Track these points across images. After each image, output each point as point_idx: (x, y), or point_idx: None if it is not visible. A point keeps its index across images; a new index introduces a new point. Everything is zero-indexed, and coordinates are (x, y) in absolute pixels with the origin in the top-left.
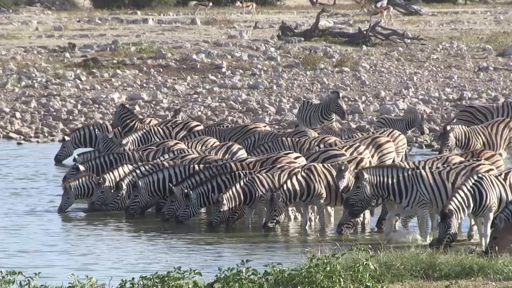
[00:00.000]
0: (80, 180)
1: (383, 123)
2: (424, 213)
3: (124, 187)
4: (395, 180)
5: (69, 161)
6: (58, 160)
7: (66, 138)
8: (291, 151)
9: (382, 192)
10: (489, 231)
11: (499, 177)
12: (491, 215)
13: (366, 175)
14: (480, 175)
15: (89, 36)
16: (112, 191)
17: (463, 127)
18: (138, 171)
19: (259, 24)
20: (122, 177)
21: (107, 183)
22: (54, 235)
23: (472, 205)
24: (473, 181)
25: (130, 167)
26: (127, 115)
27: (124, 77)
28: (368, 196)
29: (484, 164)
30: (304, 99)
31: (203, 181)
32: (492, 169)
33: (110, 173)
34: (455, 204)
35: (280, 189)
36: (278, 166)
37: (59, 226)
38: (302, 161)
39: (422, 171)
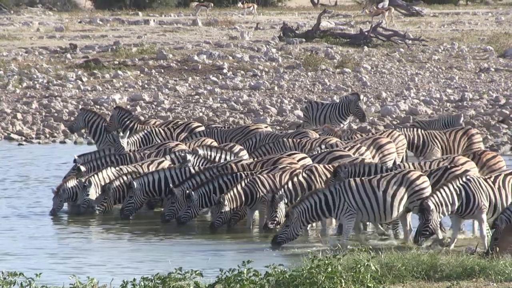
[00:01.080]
0: (70, 182)
1: (417, 128)
2: (350, 223)
3: (111, 190)
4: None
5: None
6: (72, 130)
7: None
8: (297, 152)
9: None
10: (485, 231)
11: (488, 180)
12: (484, 217)
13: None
14: (468, 176)
15: (91, 37)
16: (98, 194)
17: (419, 131)
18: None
19: (261, 25)
20: (107, 179)
21: (92, 186)
22: (54, 238)
23: (457, 204)
24: (461, 181)
25: (114, 170)
26: (126, 117)
27: (126, 78)
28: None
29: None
30: (311, 100)
31: (204, 182)
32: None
33: (96, 176)
34: (436, 199)
35: (281, 190)
36: (280, 167)
37: (52, 228)
38: (308, 161)
39: (351, 181)
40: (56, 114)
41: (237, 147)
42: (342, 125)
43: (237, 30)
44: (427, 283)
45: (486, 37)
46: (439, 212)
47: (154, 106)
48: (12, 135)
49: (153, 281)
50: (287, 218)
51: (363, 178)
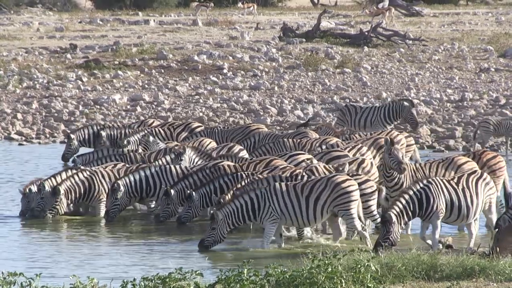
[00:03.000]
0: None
1: (487, 127)
2: (271, 228)
3: (62, 191)
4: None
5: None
6: (66, 159)
7: (72, 136)
8: (302, 152)
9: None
10: (437, 236)
11: (451, 182)
12: (438, 222)
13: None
14: (430, 179)
15: (91, 37)
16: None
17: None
18: (78, 175)
19: (261, 25)
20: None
21: (46, 189)
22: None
23: (418, 210)
24: (421, 185)
25: (70, 173)
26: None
27: (126, 78)
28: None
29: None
30: (347, 103)
31: (204, 182)
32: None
33: (51, 179)
34: (397, 209)
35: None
36: (280, 167)
37: (51, 229)
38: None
39: (277, 185)
40: (56, 114)
41: (237, 147)
42: (321, 124)
43: (237, 30)
44: (427, 283)
45: (486, 37)
46: (400, 223)
47: (154, 106)
48: (13, 135)
49: (153, 281)
50: (213, 220)
51: (288, 182)
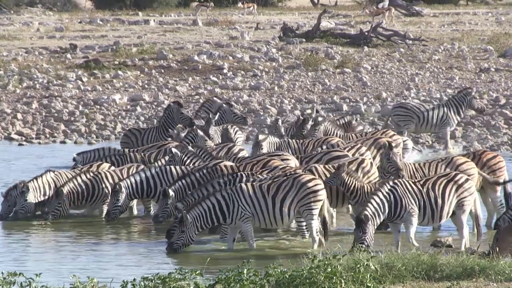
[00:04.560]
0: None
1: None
2: (247, 227)
3: (65, 193)
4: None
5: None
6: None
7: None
8: (281, 153)
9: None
10: (412, 235)
11: (416, 183)
12: (413, 220)
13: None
14: (395, 181)
15: (91, 37)
16: (37, 199)
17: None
18: (81, 177)
19: (261, 25)
20: (47, 185)
21: (30, 191)
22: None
23: (387, 211)
24: (388, 187)
25: (53, 175)
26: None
27: (126, 78)
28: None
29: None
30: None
31: (205, 182)
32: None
33: (34, 181)
34: (371, 209)
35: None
36: (280, 167)
37: (49, 230)
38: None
39: (243, 185)
40: (56, 114)
41: (237, 147)
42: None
43: (237, 30)
44: (427, 283)
45: (486, 37)
46: (374, 224)
47: (154, 106)
48: (13, 135)
49: (153, 281)
50: (181, 223)
51: (254, 182)
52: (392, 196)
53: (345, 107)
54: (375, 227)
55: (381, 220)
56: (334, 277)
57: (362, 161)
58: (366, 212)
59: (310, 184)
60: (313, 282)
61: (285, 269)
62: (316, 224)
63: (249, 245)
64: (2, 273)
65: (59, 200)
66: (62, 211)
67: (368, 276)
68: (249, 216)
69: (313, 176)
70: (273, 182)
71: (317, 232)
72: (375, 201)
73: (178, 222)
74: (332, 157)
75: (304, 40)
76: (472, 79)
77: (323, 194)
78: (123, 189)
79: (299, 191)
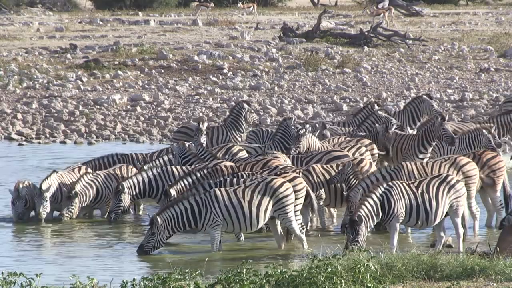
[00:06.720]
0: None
1: None
2: (215, 234)
3: (78, 194)
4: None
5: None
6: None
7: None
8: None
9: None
10: (395, 240)
11: (411, 185)
12: (397, 225)
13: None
14: (390, 183)
15: (91, 37)
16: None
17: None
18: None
19: (261, 25)
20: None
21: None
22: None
23: (380, 213)
24: (382, 189)
25: (55, 176)
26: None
27: (126, 78)
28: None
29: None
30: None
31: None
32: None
33: (46, 180)
34: (365, 211)
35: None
36: (280, 167)
37: (48, 230)
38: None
39: (217, 191)
40: (56, 114)
41: (236, 148)
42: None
43: (237, 30)
44: (427, 283)
45: (486, 37)
46: (367, 226)
47: (154, 106)
48: (13, 135)
49: (153, 281)
50: (152, 225)
51: (228, 188)
52: (385, 199)
53: (345, 107)
54: (369, 229)
55: (375, 222)
56: (334, 277)
57: (361, 161)
58: (360, 214)
59: (282, 189)
60: (313, 282)
61: (285, 269)
62: (296, 224)
63: (212, 249)
64: (2, 273)
65: (72, 201)
66: (75, 213)
67: (368, 276)
68: (220, 224)
69: (283, 180)
70: (247, 187)
71: (301, 232)
72: (369, 202)
73: (149, 224)
74: (332, 157)
75: (304, 40)
76: (472, 79)
77: (293, 197)
78: (126, 190)
79: (273, 196)
